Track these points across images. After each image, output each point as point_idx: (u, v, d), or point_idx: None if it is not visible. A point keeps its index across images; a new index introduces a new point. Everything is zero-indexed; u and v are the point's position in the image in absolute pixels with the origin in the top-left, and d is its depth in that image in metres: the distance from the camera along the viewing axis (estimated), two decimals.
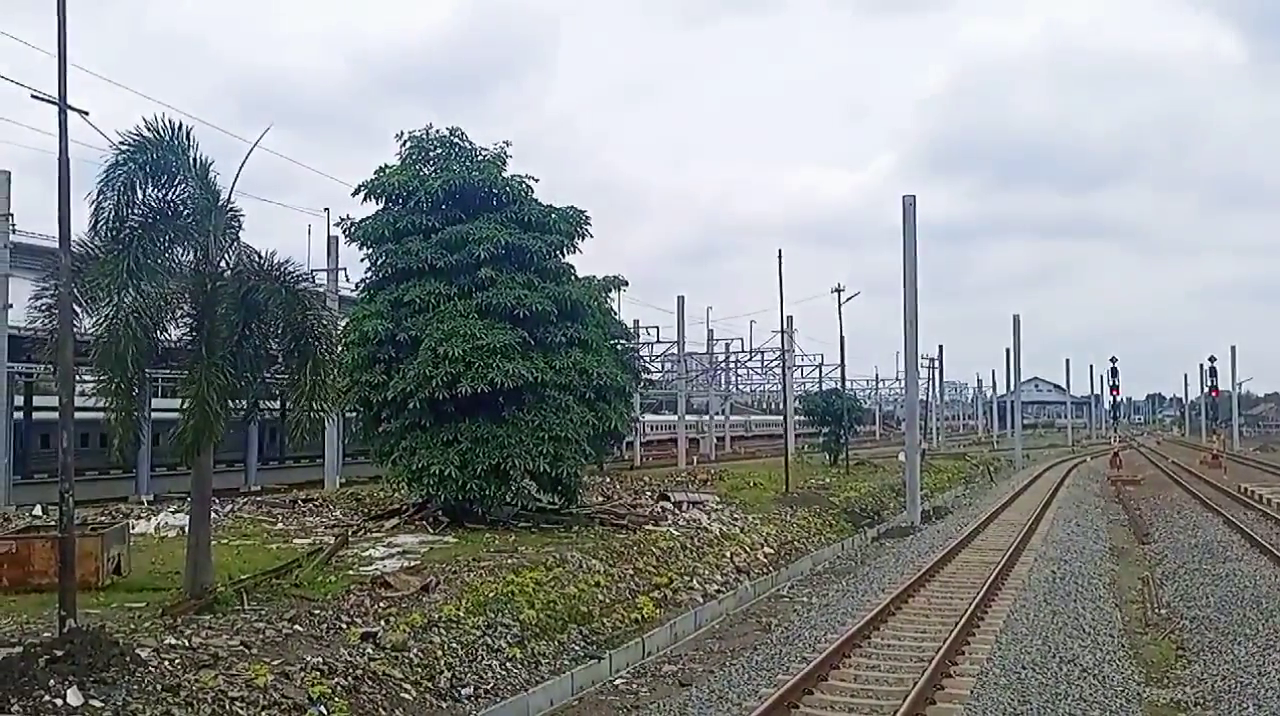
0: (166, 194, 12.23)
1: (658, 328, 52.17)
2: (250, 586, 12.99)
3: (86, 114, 10.77)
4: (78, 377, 11.57)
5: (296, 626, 11.52)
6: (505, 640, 12.89)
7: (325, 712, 9.59)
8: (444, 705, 10.95)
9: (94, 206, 11.75)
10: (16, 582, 12.74)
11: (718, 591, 18.49)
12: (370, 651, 11.16)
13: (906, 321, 30.76)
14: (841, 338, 46.03)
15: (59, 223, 10.24)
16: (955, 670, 11.55)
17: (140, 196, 12.03)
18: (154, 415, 18.29)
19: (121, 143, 11.85)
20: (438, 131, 22.17)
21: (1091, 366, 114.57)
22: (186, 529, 14.69)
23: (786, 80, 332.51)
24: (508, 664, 12.45)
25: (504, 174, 21.80)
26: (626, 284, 26.13)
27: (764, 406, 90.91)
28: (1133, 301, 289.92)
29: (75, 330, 10.90)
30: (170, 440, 12.64)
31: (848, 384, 52.61)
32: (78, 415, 10.77)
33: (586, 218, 22.25)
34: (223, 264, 12.62)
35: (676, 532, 21.62)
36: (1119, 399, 63.63)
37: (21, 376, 27.25)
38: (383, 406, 20.38)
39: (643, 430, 51.82)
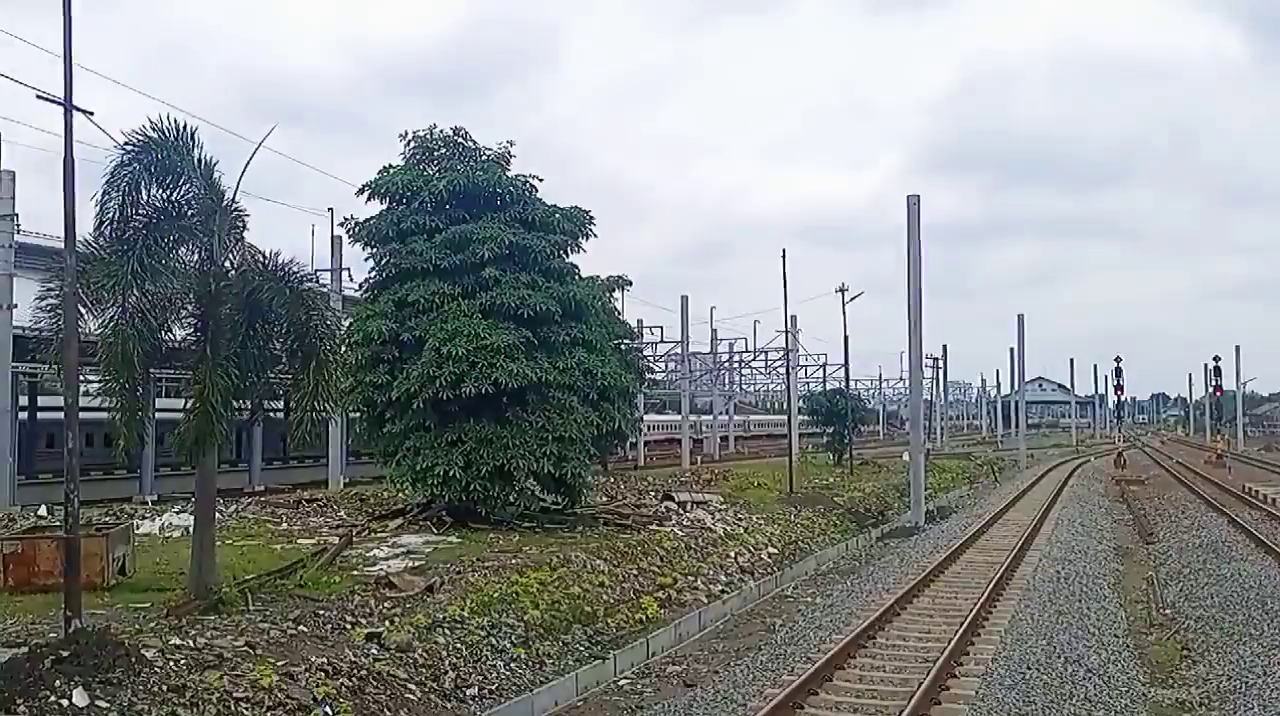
0: (171, 194, 12.25)
1: (661, 327, 52.16)
2: (255, 586, 12.99)
3: (91, 114, 10.78)
4: (82, 378, 11.58)
5: (301, 627, 11.53)
6: (510, 640, 12.90)
7: (330, 713, 9.59)
8: (449, 705, 10.95)
9: (99, 207, 11.78)
10: (22, 583, 12.75)
11: (722, 591, 18.47)
12: (375, 652, 11.17)
13: (910, 321, 30.70)
14: (845, 337, 46.17)
15: (64, 223, 10.25)
16: (960, 670, 11.54)
17: (145, 197, 12.05)
18: (157, 415, 18.33)
19: (126, 143, 11.88)
20: (442, 131, 22.19)
21: (1096, 366, 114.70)
22: (191, 529, 14.71)
23: (791, 80, 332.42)
24: (512, 664, 12.45)
25: (508, 174, 21.80)
26: (630, 284, 26.11)
27: (768, 406, 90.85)
28: (1137, 301, 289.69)
29: (80, 330, 10.91)
30: (174, 440, 12.67)
31: (852, 383, 52.55)
32: (81, 415, 10.78)
33: (590, 217, 22.25)
34: (227, 264, 12.63)
35: (680, 532, 21.61)
36: (1123, 399, 63.43)
37: (26, 376, 27.29)
38: (386, 406, 20.38)
39: (646, 430, 51.76)
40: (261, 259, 12.87)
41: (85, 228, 11.35)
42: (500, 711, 10.79)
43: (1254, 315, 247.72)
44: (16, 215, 23.34)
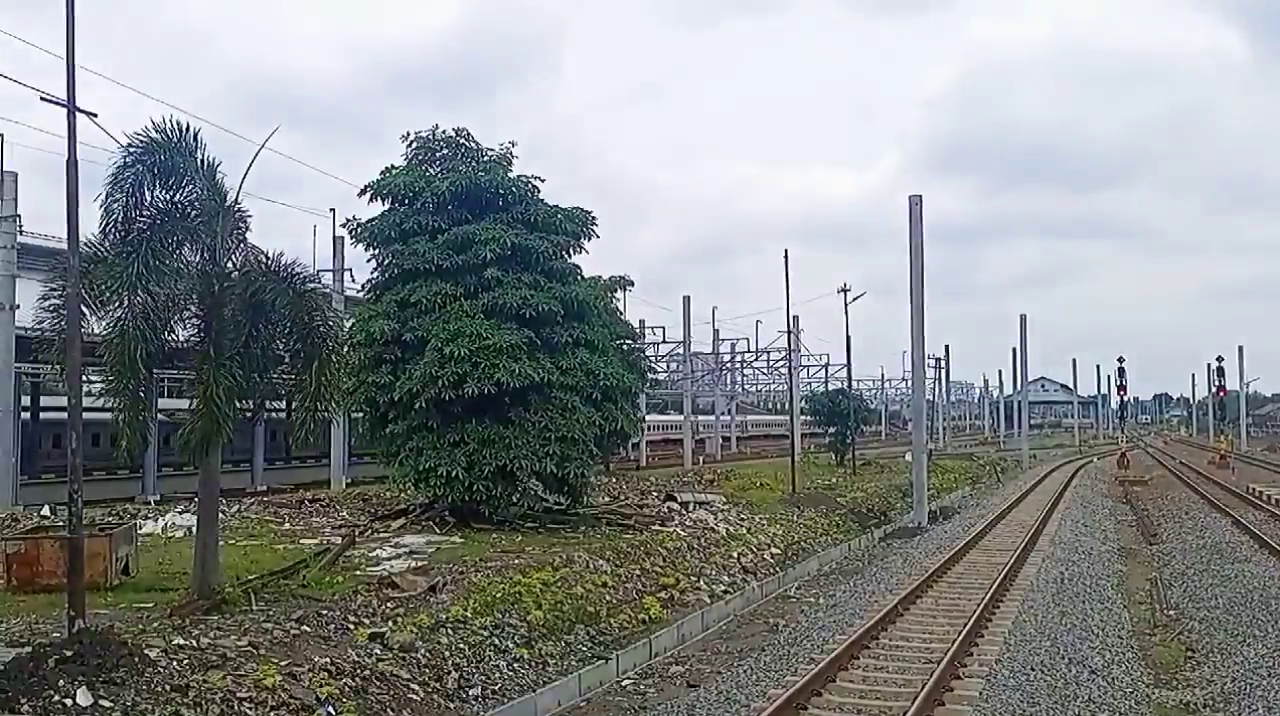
0: (174, 195, 12.27)
1: (663, 328, 52.20)
2: (258, 587, 13.00)
3: (95, 116, 10.82)
4: (85, 378, 11.59)
5: (304, 627, 11.53)
6: (512, 640, 12.89)
7: (333, 713, 9.59)
8: (451, 705, 10.95)
9: (103, 208, 11.80)
10: (25, 583, 12.77)
11: (725, 592, 18.45)
12: (378, 652, 11.17)
13: (913, 321, 30.67)
14: (848, 337, 46.06)
15: (67, 224, 10.27)
16: (964, 671, 11.51)
17: (148, 198, 12.08)
18: (160, 415, 18.34)
19: (130, 144, 11.91)
20: (444, 132, 22.19)
21: (1098, 366, 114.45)
22: (194, 529, 14.72)
23: (793, 80, 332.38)
24: (515, 664, 12.45)
25: (510, 174, 21.79)
26: (632, 284, 26.17)
27: (770, 406, 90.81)
28: (1140, 301, 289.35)
29: (82, 331, 10.92)
30: (179, 441, 12.67)
31: (854, 383, 52.52)
32: (84, 415, 10.79)
33: (593, 218, 22.25)
34: (230, 265, 12.64)
35: (683, 533, 21.59)
36: (1126, 399, 63.22)
37: (28, 377, 27.33)
38: (389, 407, 20.38)
39: (648, 430, 51.75)
40: (264, 260, 12.88)
41: (88, 229, 11.38)
42: (503, 711, 10.78)
43: (1257, 315, 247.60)
44: (19, 216, 23.38)
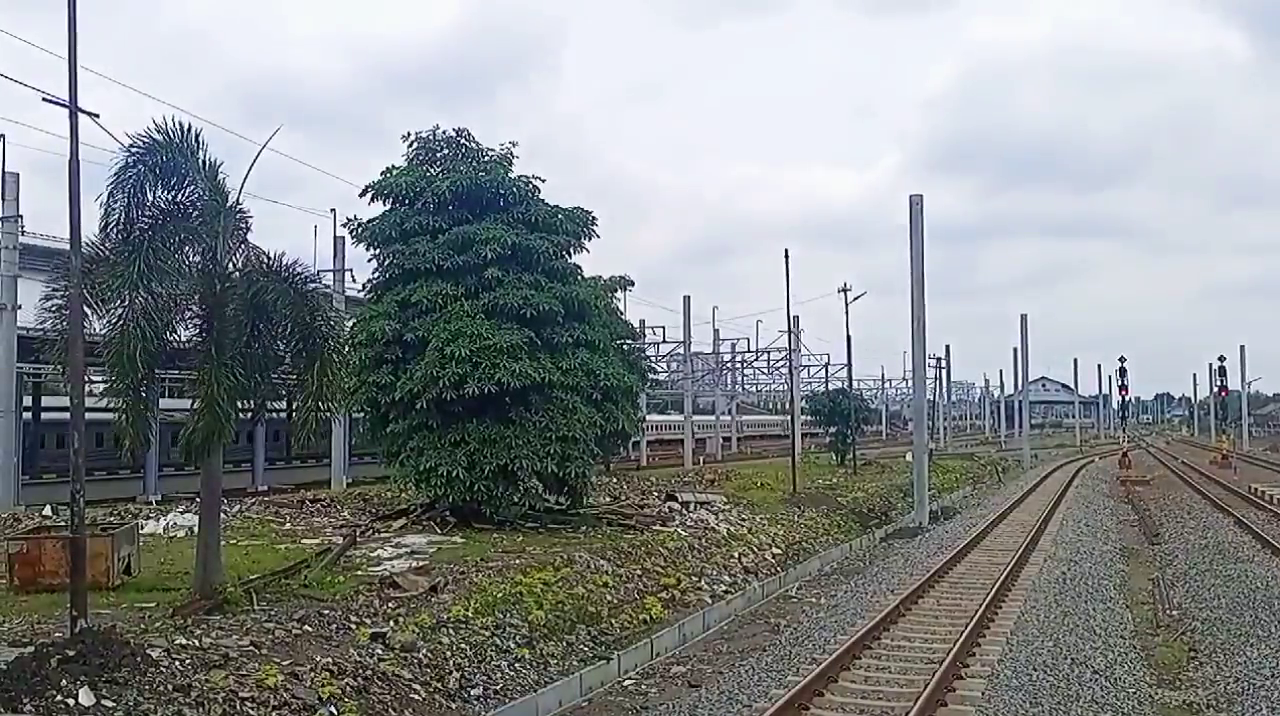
0: (176, 195, 12.28)
1: (664, 327, 52.18)
2: (259, 586, 13.00)
3: (97, 116, 10.81)
4: (86, 378, 11.59)
5: (306, 626, 11.53)
6: (514, 640, 12.89)
7: (335, 713, 9.59)
8: (453, 705, 10.95)
9: (104, 208, 11.80)
10: (27, 583, 12.77)
11: (726, 592, 18.45)
12: (379, 652, 11.17)
13: (914, 321, 30.66)
14: (848, 337, 46.02)
15: (70, 224, 10.28)
16: (966, 672, 11.50)
17: (150, 198, 12.09)
18: (161, 415, 18.30)
19: (131, 145, 11.91)
20: (444, 132, 22.18)
21: (1100, 366, 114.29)
22: (195, 529, 14.72)
23: (793, 80, 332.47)
24: (516, 664, 12.45)
25: (511, 174, 21.79)
26: (633, 284, 26.19)
27: (770, 406, 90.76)
28: (1141, 301, 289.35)
29: (84, 331, 10.92)
30: (181, 441, 12.68)
31: (854, 383, 52.49)
32: (86, 415, 10.79)
33: (593, 218, 22.25)
34: (231, 265, 12.65)
35: (684, 533, 21.59)
36: (1127, 399, 63.10)
37: (30, 376, 27.34)
38: (390, 407, 20.38)
39: (648, 430, 51.76)
40: (266, 260, 12.89)
41: (89, 229, 11.39)
42: (505, 711, 10.78)
43: (1259, 314, 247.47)
44: (21, 216, 23.37)
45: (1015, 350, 71.84)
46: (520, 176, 21.87)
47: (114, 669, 8.92)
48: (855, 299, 42.40)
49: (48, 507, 21.36)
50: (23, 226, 23.67)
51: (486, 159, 21.91)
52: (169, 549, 16.89)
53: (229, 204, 12.51)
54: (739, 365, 64.76)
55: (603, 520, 21.86)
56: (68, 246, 10.62)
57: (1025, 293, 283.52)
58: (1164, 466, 58.40)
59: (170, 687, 8.98)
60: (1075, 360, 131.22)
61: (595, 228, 22.21)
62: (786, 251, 35.29)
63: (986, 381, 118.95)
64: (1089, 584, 17.79)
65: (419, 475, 20.22)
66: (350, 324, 20.13)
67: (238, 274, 12.62)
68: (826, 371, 65.83)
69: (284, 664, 10.05)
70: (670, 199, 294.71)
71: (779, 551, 22.84)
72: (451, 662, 11.68)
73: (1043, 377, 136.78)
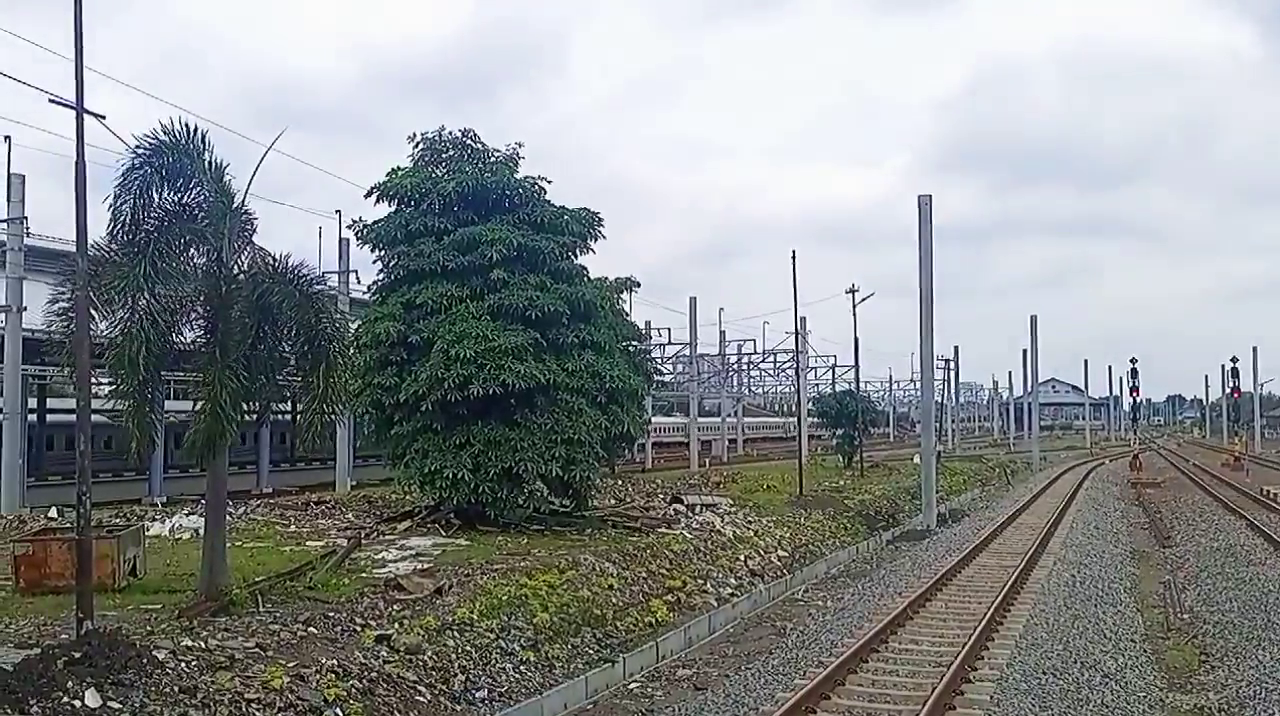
0: (182, 197, 12.29)
1: (669, 329, 52.13)
2: (265, 588, 13.00)
3: (104, 118, 10.84)
4: (92, 380, 11.60)
5: (311, 628, 11.52)
6: (519, 643, 12.84)
7: (341, 714, 9.57)
8: (458, 708, 10.91)
9: (112, 210, 11.82)
10: (33, 584, 12.80)
11: (732, 594, 18.37)
12: (384, 654, 11.14)
13: (922, 323, 30.55)
14: (856, 338, 45.66)
15: (76, 226, 10.28)
16: (975, 675, 11.41)
17: (156, 199, 12.10)
18: (167, 417, 18.32)
19: (138, 146, 11.93)
20: (450, 133, 22.20)
21: (1110, 367, 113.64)
22: (201, 531, 14.73)
23: (799, 79, 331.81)
24: (521, 667, 12.41)
25: (516, 175, 21.79)
26: (639, 285, 26.11)
27: (777, 408, 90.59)
28: (1152, 302, 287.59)
29: (90, 333, 10.93)
30: (186, 442, 12.68)
31: (861, 385, 52.28)
32: (91, 417, 10.79)
33: (599, 219, 22.23)
34: (236, 267, 12.65)
35: (689, 535, 21.51)
36: (1138, 400, 62.71)
37: (35, 379, 27.44)
38: (395, 409, 20.38)
39: (654, 432, 51.70)
40: (271, 262, 12.89)
41: (95, 231, 11.38)
42: (510, 714, 10.74)
43: (1272, 315, 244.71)
44: (26, 218, 23.44)
45: (1025, 351, 71.54)
46: (526, 177, 21.87)
47: (120, 670, 8.92)
48: (863, 300, 42.24)
49: (53, 509, 21.42)
50: (28, 228, 23.75)
51: (492, 160, 21.91)
52: (174, 550, 16.92)
53: (235, 205, 12.51)
54: (745, 367, 64.66)
55: (608, 522, 21.80)
56: (73, 248, 10.62)
57: (1035, 293, 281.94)
58: (1175, 468, 58.05)
59: (176, 689, 8.98)
60: (1085, 361, 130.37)
61: (601, 228, 22.22)
62: (794, 253, 35.26)
63: (995, 383, 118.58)
64: (1099, 587, 17.65)
65: (424, 477, 20.20)
66: (355, 326, 20.15)
67: (243, 276, 12.63)
68: (833, 373, 65.77)
69: (289, 665, 10.03)
70: (676, 199, 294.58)
71: (785, 554, 22.74)
72: (456, 665, 11.64)
73: (1052, 379, 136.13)
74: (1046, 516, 29.41)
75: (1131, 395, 58.60)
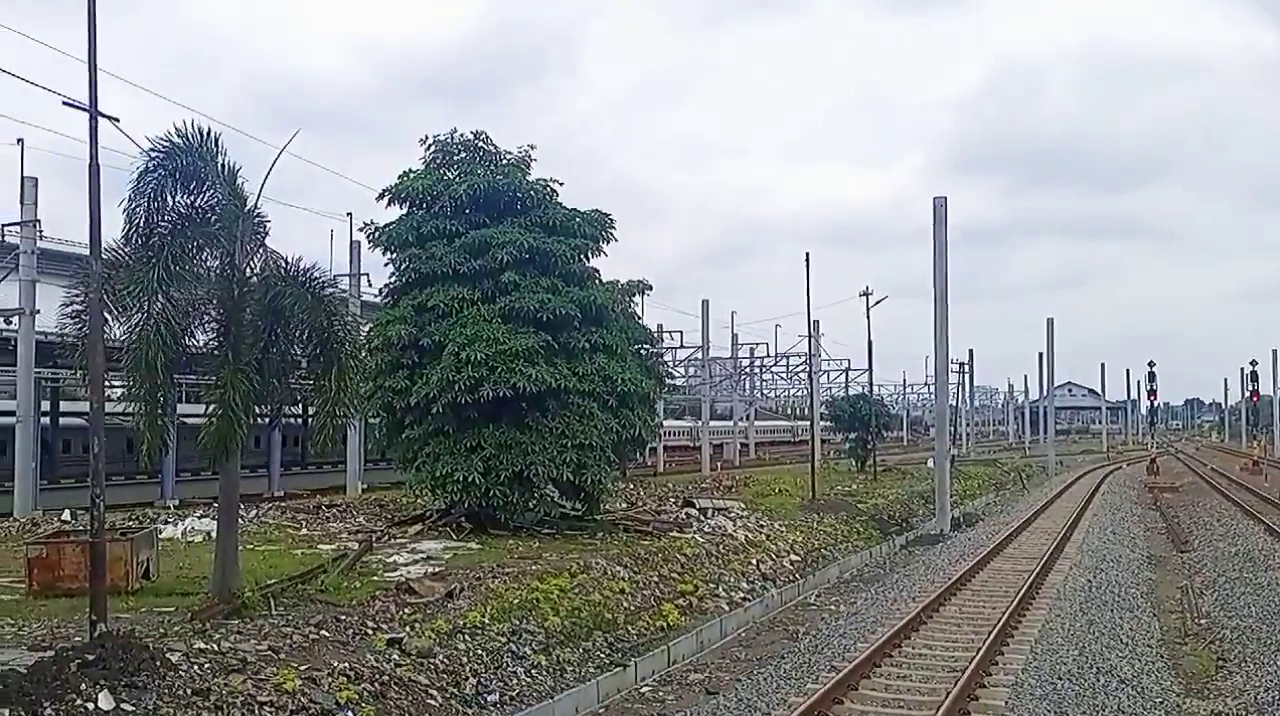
0: (195, 200, 12.36)
1: (681, 332, 51.99)
2: (277, 591, 13.04)
3: (117, 120, 10.89)
4: (106, 383, 11.66)
5: (323, 631, 11.54)
6: (530, 647, 12.82)
7: None
8: (470, 711, 10.89)
9: (126, 214, 11.90)
10: (47, 587, 12.87)
11: (744, 599, 18.27)
12: (396, 657, 11.14)
13: (937, 326, 30.35)
14: (869, 342, 45.30)
15: (89, 229, 10.34)
16: (989, 680, 11.29)
17: (170, 202, 12.17)
18: (179, 420, 18.40)
19: (151, 149, 12.00)
20: (462, 135, 22.24)
21: (1128, 370, 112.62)
22: (213, 533, 14.78)
23: (811, 80, 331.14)
24: (533, 670, 12.38)
25: (528, 178, 21.81)
26: (650, 288, 26.03)
27: (789, 412, 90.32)
28: (1170, 303, 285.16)
29: (103, 336, 10.99)
30: (199, 445, 12.73)
31: (875, 388, 51.99)
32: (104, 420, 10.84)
33: (611, 221, 22.20)
34: (249, 270, 12.70)
35: (701, 539, 21.43)
36: (1156, 404, 62.08)
37: (48, 382, 27.62)
38: (406, 412, 20.41)
39: (666, 435, 51.59)
40: (283, 264, 12.93)
41: (108, 234, 11.45)
42: None
43: None
44: (39, 221, 23.57)
45: (1040, 354, 71.04)
46: (538, 179, 21.89)
47: (133, 673, 8.94)
48: (877, 303, 41.98)
49: (66, 512, 21.55)
50: (41, 231, 23.91)
51: (504, 162, 21.94)
52: (187, 553, 17.00)
53: (247, 208, 12.57)
54: (757, 370, 64.47)
55: (619, 526, 21.75)
56: (86, 251, 10.68)
57: (1051, 295, 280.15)
58: (1193, 472, 57.42)
59: (189, 691, 9.00)
60: (1102, 364, 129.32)
61: (613, 231, 22.20)
62: (808, 255, 35.04)
63: (1011, 386, 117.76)
64: (1115, 592, 17.45)
65: (435, 480, 20.21)
66: (366, 328, 20.20)
67: (255, 279, 12.67)
68: (846, 376, 65.47)
69: (301, 668, 10.04)
70: (688, 200, 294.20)
71: (797, 558, 22.62)
72: (468, 668, 11.62)
73: (1069, 382, 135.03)
74: (1062, 521, 29.11)
75: (1149, 398, 58.01)
